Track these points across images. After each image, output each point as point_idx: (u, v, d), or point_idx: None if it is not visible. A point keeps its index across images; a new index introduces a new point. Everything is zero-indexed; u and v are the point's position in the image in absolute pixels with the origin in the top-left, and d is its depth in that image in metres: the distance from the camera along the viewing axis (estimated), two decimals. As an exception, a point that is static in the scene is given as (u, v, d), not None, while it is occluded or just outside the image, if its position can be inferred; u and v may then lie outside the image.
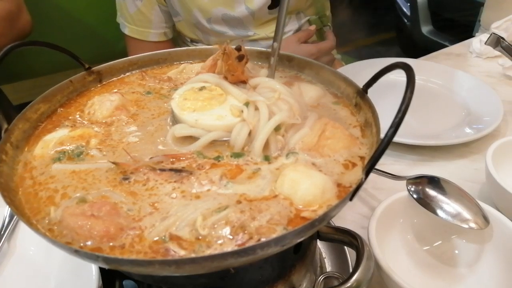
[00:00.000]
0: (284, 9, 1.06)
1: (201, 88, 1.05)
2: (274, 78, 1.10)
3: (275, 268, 0.94)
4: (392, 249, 1.20)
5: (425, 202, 1.22)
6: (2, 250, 1.24)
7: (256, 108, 0.96)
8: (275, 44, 1.09)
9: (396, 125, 0.72)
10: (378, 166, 1.48)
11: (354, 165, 0.88)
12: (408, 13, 5.56)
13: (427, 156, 1.66)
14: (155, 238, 0.74)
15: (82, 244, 0.73)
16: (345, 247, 1.26)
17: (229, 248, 0.71)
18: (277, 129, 0.93)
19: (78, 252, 0.67)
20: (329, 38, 2.56)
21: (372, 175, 1.48)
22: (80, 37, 2.80)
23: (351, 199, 0.76)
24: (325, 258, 1.28)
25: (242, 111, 0.96)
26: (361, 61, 2.10)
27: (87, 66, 1.18)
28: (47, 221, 0.78)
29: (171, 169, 0.88)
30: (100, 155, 0.94)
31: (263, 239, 0.72)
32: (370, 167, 0.74)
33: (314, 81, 1.18)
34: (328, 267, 1.24)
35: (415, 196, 1.23)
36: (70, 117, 1.08)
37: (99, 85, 1.21)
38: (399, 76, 2.08)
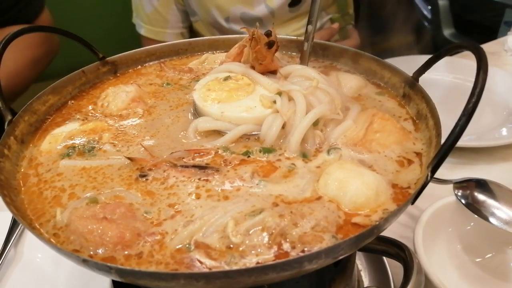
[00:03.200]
0: None
1: (226, 78, 0.94)
2: (307, 66, 0.98)
3: (313, 283, 0.81)
4: (438, 261, 1.06)
5: (475, 208, 1.08)
6: (8, 257, 1.14)
7: (290, 99, 0.84)
8: (309, 27, 0.97)
9: (470, 112, 0.60)
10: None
11: (410, 162, 0.75)
12: (429, 16, 5.40)
13: (467, 159, 1.52)
14: (178, 246, 0.62)
15: (92, 253, 0.62)
16: (384, 258, 1.12)
17: (268, 259, 0.59)
18: (315, 123, 0.81)
19: (87, 262, 0.55)
20: (353, 36, 2.44)
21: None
22: (94, 40, 2.71)
23: (413, 203, 0.63)
24: (361, 270, 1.14)
25: (274, 102, 0.84)
26: (390, 59, 1.97)
27: (101, 55, 1.07)
28: (52, 225, 0.67)
29: (194, 166, 0.77)
30: (113, 150, 0.83)
31: (307, 249, 0.60)
32: (438, 162, 0.61)
33: (352, 71, 1.05)
34: (366, 281, 1.10)
35: (463, 201, 1.10)
36: (81, 110, 0.97)
37: (113, 77, 1.11)
38: (436, 74, 1.96)
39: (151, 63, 1.17)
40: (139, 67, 1.15)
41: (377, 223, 0.57)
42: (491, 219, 1.03)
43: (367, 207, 0.66)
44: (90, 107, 0.98)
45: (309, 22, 0.97)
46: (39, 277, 1.09)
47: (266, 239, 0.61)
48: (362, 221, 0.64)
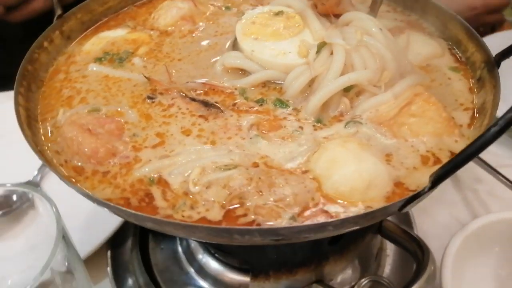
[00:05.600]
0: None
1: (278, 13, 0.83)
2: (376, 16, 0.81)
3: (297, 252, 0.75)
4: (473, 282, 0.90)
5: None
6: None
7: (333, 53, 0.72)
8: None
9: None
10: (501, 168, 1.11)
11: (437, 161, 0.60)
12: None
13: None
14: (142, 176, 0.61)
15: (68, 159, 0.64)
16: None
17: (213, 218, 0.55)
18: (347, 89, 0.68)
19: (46, 166, 0.57)
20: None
21: (489, 178, 1.11)
22: None
23: (400, 210, 0.52)
24: (388, 256, 1.03)
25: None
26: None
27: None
28: (53, 122, 0.71)
29: (202, 101, 0.72)
30: (140, 65, 0.82)
31: (258, 222, 0.54)
32: (444, 174, 0.47)
33: (437, 34, 0.85)
34: (387, 268, 0.99)
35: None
36: (136, 18, 0.97)
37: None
38: None
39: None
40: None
41: (336, 219, 0.48)
42: None
43: (349, 198, 0.55)
44: (144, 17, 0.97)
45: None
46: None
47: (222, 198, 0.56)
48: (334, 211, 0.54)
